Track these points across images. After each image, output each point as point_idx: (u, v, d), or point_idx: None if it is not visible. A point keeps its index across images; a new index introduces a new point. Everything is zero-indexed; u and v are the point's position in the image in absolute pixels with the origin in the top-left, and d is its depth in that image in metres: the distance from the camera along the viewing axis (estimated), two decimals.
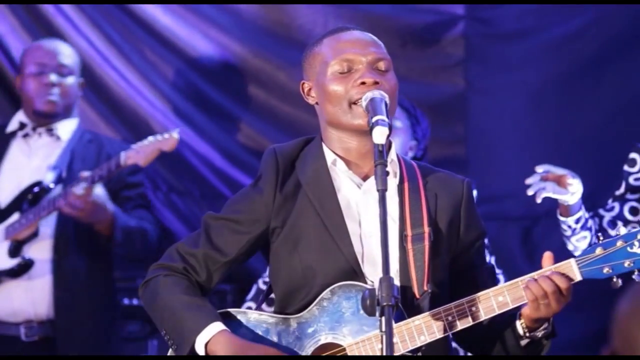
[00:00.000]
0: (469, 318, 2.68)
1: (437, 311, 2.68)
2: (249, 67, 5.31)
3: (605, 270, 2.66)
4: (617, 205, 4.15)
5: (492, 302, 2.68)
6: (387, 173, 2.55)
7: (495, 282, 2.90)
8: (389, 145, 2.86)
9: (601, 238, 2.67)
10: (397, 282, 2.72)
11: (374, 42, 2.87)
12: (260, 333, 2.74)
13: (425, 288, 2.74)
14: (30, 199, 4.58)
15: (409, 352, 2.67)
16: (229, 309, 2.80)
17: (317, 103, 2.87)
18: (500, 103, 5.29)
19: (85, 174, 4.43)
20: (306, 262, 2.75)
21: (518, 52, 5.26)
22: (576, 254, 4.13)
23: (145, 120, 5.31)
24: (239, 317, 2.78)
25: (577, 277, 2.68)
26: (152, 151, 4.46)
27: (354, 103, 2.77)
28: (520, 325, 2.74)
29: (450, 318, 2.67)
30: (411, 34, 5.28)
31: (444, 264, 2.82)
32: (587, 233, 4.08)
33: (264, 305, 3.12)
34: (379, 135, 2.61)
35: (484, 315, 2.68)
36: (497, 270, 4.41)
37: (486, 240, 4.42)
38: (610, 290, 4.07)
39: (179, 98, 5.30)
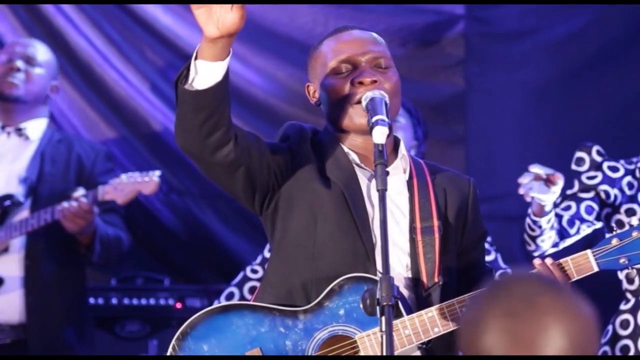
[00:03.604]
0: None
1: (450, 302, 2.69)
2: (249, 67, 5.31)
3: (622, 260, 2.72)
4: (573, 204, 4.19)
5: None
6: (387, 173, 2.57)
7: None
8: (395, 142, 2.88)
9: (615, 229, 2.73)
10: (407, 274, 2.75)
11: (373, 41, 2.87)
12: (267, 325, 2.73)
13: (436, 280, 2.75)
14: (1, 212, 4.55)
15: (421, 344, 2.68)
16: (235, 302, 2.79)
17: (320, 104, 2.88)
18: (500, 103, 5.29)
19: (79, 193, 4.44)
20: (323, 234, 2.73)
21: (518, 52, 5.27)
22: (536, 253, 4.20)
23: (145, 120, 5.32)
24: (244, 309, 2.76)
25: (595, 268, 2.72)
26: (132, 191, 4.49)
27: (355, 103, 2.78)
28: None
29: (464, 309, 2.68)
30: (411, 34, 5.28)
31: (453, 258, 2.83)
32: (552, 233, 4.14)
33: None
34: (379, 135, 2.62)
35: None
36: (504, 266, 4.44)
37: (489, 238, 4.48)
38: (607, 288, 4.11)
39: None
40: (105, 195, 4.48)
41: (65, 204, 4.44)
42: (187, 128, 2.62)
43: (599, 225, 4.22)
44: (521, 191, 4.01)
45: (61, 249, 4.60)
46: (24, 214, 4.56)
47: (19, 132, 4.70)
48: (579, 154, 4.26)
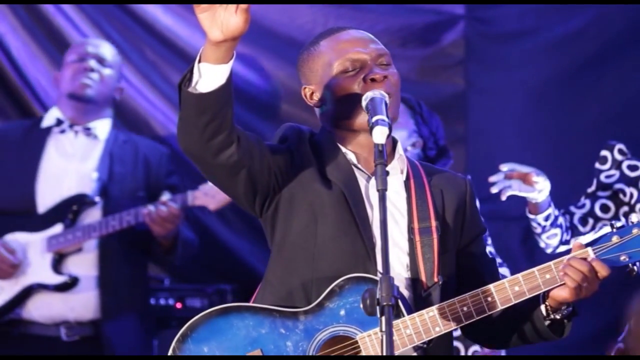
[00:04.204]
0: (485, 308, 2.70)
1: (451, 302, 2.71)
2: (249, 67, 5.31)
3: (622, 258, 2.71)
4: (588, 202, 4.21)
5: (508, 292, 2.71)
6: (387, 173, 2.57)
7: (498, 271, 2.93)
8: (393, 142, 2.88)
9: (615, 226, 2.72)
10: (407, 274, 2.76)
11: (372, 39, 2.88)
12: (268, 327, 2.73)
13: (435, 280, 2.76)
14: (75, 210, 4.56)
15: (422, 343, 2.69)
16: (235, 304, 2.79)
17: (321, 106, 2.88)
18: (500, 103, 5.30)
19: (166, 197, 4.45)
20: (323, 235, 2.74)
21: (518, 52, 5.27)
22: (548, 251, 4.21)
23: (145, 120, 5.32)
24: (245, 311, 2.76)
25: None
26: (226, 197, 4.41)
27: None
28: (545, 308, 2.75)
29: (465, 309, 2.70)
30: (411, 34, 5.29)
31: (452, 257, 2.85)
32: (557, 230, 4.13)
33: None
34: (379, 134, 2.62)
35: (500, 305, 2.71)
36: (499, 260, 4.45)
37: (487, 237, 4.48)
38: (614, 288, 4.11)
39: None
40: (195, 200, 4.48)
41: (152, 208, 4.45)
42: (190, 130, 2.62)
43: (619, 224, 4.22)
44: (494, 190, 4.03)
45: (132, 250, 4.62)
46: (95, 213, 4.58)
47: (87, 131, 4.71)
48: (603, 152, 4.28)
